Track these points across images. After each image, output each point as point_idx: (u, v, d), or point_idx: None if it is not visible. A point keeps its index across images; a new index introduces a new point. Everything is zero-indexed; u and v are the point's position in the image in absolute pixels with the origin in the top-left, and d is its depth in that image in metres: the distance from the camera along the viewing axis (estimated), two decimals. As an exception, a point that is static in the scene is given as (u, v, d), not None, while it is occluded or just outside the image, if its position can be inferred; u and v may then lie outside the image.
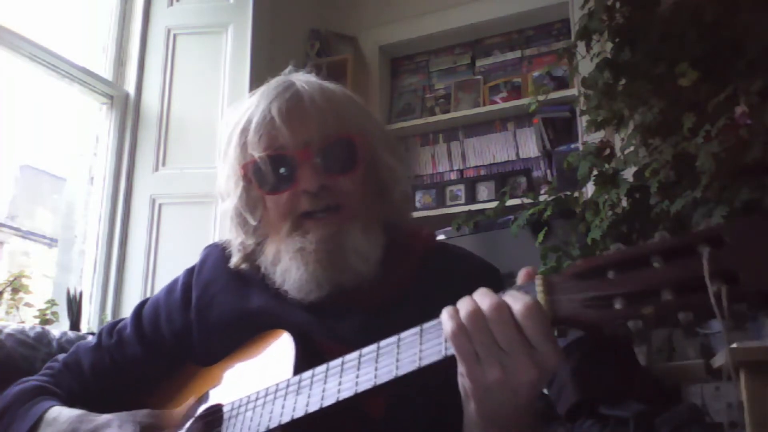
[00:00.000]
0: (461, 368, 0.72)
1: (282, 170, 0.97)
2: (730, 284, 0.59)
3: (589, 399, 1.78)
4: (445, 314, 0.72)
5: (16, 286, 2.32)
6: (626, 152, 2.11)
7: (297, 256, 0.95)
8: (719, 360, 1.87)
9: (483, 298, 0.71)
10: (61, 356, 1.14)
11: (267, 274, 1.00)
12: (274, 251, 0.99)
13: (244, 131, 0.99)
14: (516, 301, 0.69)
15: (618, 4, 2.13)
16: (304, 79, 1.03)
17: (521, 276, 0.74)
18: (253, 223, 1.01)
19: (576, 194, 2.33)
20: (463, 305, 0.72)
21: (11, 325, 1.48)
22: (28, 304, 2.35)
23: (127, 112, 2.84)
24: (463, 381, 0.74)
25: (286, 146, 0.96)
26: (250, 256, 1.04)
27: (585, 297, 0.67)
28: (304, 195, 0.95)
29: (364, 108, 1.08)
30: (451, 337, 0.70)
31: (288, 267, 0.96)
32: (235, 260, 1.05)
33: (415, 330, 0.77)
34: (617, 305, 0.65)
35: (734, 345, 1.59)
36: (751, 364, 1.56)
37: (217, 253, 1.10)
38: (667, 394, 1.95)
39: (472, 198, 3.19)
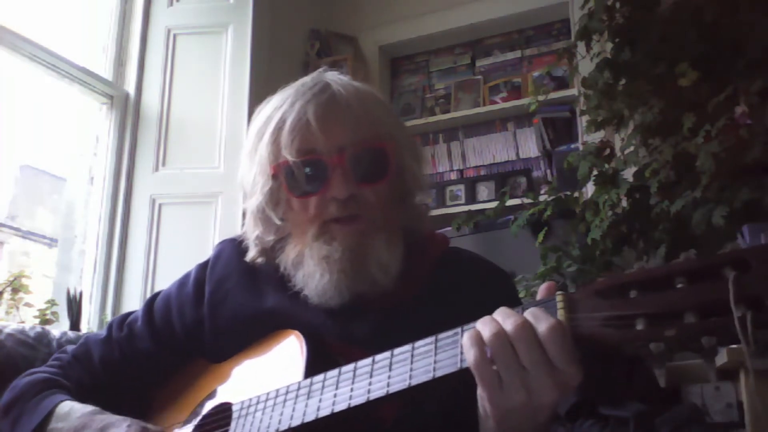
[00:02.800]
0: (482, 392, 0.71)
1: (313, 175, 0.96)
2: (755, 310, 0.58)
3: (589, 399, 1.78)
4: (467, 340, 0.71)
5: (16, 286, 2.32)
6: (626, 152, 2.11)
7: (322, 263, 0.94)
8: (719, 360, 1.86)
9: (506, 318, 0.70)
10: (69, 347, 1.13)
11: (286, 275, 0.99)
12: (296, 253, 0.98)
13: (278, 130, 0.97)
14: (540, 321, 0.68)
15: (618, 4, 2.13)
16: (339, 81, 1.01)
17: (542, 290, 0.73)
18: (277, 222, 1.00)
19: (576, 194, 2.33)
20: (486, 328, 0.71)
21: (11, 325, 1.48)
22: (28, 304, 2.35)
23: (127, 112, 2.84)
24: (483, 403, 0.73)
25: (319, 151, 0.95)
26: (268, 252, 1.03)
27: (606, 316, 0.66)
28: (332, 201, 0.95)
29: (394, 113, 1.08)
30: (474, 364, 0.70)
31: (312, 272, 0.95)
32: (252, 254, 1.04)
33: (430, 340, 0.77)
34: (639, 326, 0.63)
35: (734, 345, 1.59)
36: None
37: (232, 248, 1.10)
38: (667, 394, 1.95)
39: (472, 198, 3.19)
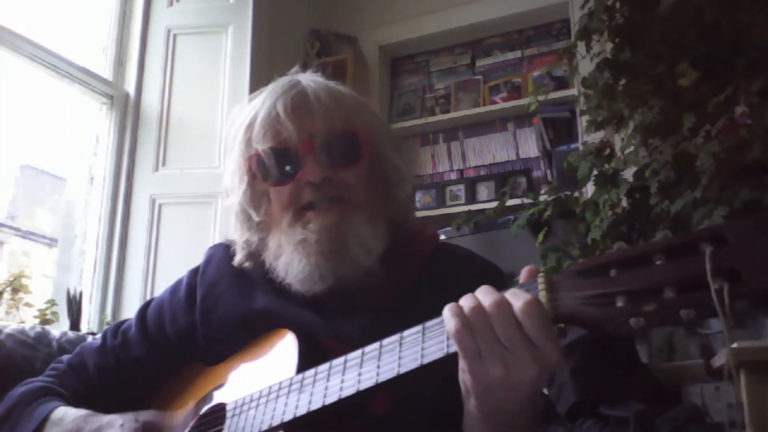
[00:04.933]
0: (463, 365, 0.72)
1: (286, 162, 0.98)
2: (732, 282, 0.59)
3: (589, 399, 1.78)
4: (448, 311, 0.72)
5: (16, 286, 2.32)
6: (626, 152, 2.11)
7: (299, 248, 0.95)
8: (719, 360, 1.87)
9: (485, 295, 0.72)
10: (65, 357, 1.14)
11: (271, 269, 1.00)
12: (276, 244, 0.99)
13: (250, 127, 1.00)
14: (516, 298, 0.69)
15: (618, 4, 2.13)
16: (310, 78, 1.04)
17: (524, 274, 0.74)
18: (256, 219, 1.01)
19: (576, 194, 2.33)
20: (466, 302, 0.72)
21: (11, 325, 1.48)
22: (28, 304, 2.35)
23: (127, 112, 2.84)
24: (464, 377, 0.74)
25: (290, 139, 0.97)
26: (254, 254, 1.04)
27: (587, 295, 0.67)
28: (307, 186, 0.96)
29: (369, 107, 1.09)
30: (454, 333, 0.71)
31: (290, 259, 0.96)
32: (238, 258, 1.05)
33: (418, 328, 0.77)
34: (619, 303, 0.65)
35: (734, 345, 1.59)
36: (751, 364, 1.56)
37: (221, 252, 1.11)
38: (667, 394, 1.95)
39: (472, 198, 3.19)
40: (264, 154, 0.97)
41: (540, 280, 0.70)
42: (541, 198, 2.38)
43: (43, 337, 1.48)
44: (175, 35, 2.92)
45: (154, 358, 1.09)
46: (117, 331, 1.12)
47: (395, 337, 0.79)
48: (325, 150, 0.97)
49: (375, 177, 1.02)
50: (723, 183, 1.81)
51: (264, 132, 0.98)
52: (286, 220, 0.98)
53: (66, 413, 0.98)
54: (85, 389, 1.08)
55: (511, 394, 0.72)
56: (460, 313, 0.71)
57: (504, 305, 0.69)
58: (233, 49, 2.87)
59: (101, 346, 1.11)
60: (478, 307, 0.71)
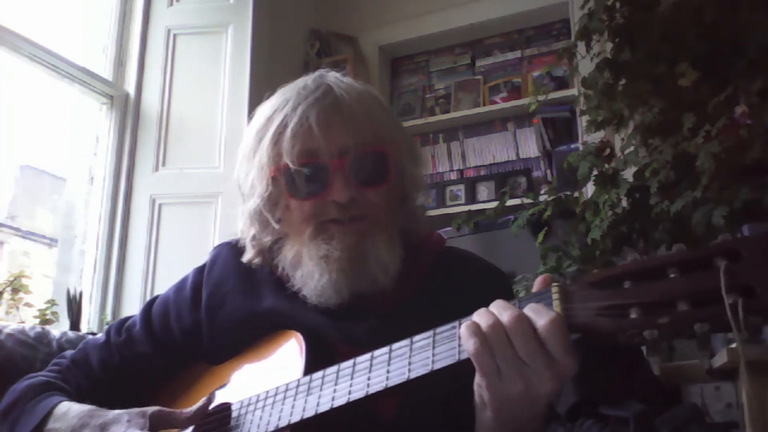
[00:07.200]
0: (480, 380, 0.72)
1: (314, 178, 0.95)
2: (746, 297, 0.60)
3: (589, 399, 1.78)
4: (465, 330, 0.71)
5: (16, 286, 2.32)
6: (626, 152, 2.11)
7: (321, 263, 0.94)
8: (719, 360, 1.87)
9: (502, 311, 0.71)
10: (68, 352, 1.13)
11: (285, 275, 0.99)
12: (294, 253, 0.98)
13: (278, 135, 0.97)
14: (539, 315, 0.69)
15: (618, 4, 2.13)
16: (341, 85, 1.00)
17: (538, 283, 0.74)
18: (275, 225, 1.00)
19: (576, 194, 2.33)
20: (483, 319, 0.71)
21: (11, 325, 1.48)
22: (28, 304, 2.35)
23: (127, 112, 2.84)
24: (480, 391, 0.74)
25: (321, 154, 0.95)
26: (266, 253, 1.03)
27: (600, 306, 0.67)
28: (332, 204, 0.95)
29: (394, 116, 1.08)
30: (474, 353, 0.70)
31: (310, 272, 0.95)
32: (249, 255, 1.04)
33: (428, 334, 0.77)
34: (633, 314, 0.65)
35: (734, 345, 1.59)
36: (751, 364, 1.56)
37: (228, 251, 1.10)
38: (667, 394, 1.95)
39: (472, 198, 3.19)
40: (293, 170, 0.95)
41: (554, 290, 0.70)
42: (541, 198, 2.38)
43: (43, 337, 1.48)
44: (175, 35, 2.92)
45: (158, 356, 1.08)
46: (121, 327, 1.12)
47: (405, 342, 0.79)
48: (355, 169, 0.95)
49: (395, 191, 1.01)
50: (723, 183, 1.81)
51: (294, 144, 0.95)
52: (308, 232, 0.96)
53: (70, 408, 0.97)
54: (88, 385, 1.07)
55: (527, 407, 0.72)
56: (478, 331, 0.71)
57: (523, 321, 0.69)
58: (233, 49, 2.87)
59: (105, 342, 1.10)
60: (497, 324, 0.70)
